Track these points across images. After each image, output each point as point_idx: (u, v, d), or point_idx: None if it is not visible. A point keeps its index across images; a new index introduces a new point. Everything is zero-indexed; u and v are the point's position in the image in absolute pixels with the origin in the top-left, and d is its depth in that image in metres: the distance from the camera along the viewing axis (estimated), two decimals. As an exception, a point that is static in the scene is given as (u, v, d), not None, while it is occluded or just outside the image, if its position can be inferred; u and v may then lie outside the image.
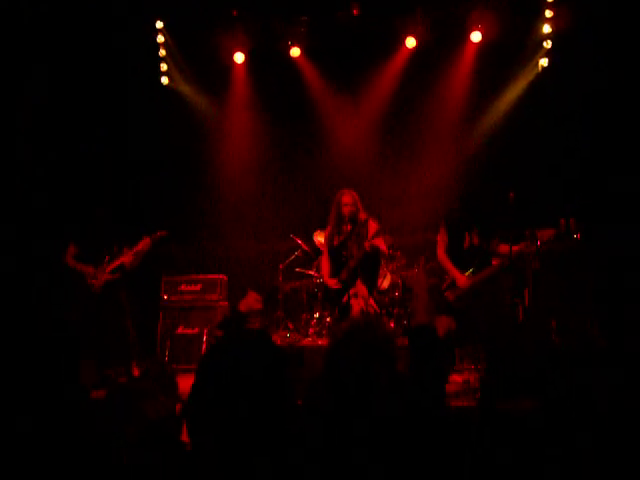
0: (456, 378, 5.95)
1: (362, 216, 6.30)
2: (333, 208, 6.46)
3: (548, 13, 7.92)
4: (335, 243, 6.40)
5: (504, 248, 5.82)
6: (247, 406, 1.70)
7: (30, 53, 7.37)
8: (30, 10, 7.16)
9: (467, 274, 5.86)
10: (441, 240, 6.09)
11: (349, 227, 6.34)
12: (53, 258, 6.81)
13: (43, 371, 2.40)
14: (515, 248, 5.75)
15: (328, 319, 7.01)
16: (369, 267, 6.36)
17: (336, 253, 6.42)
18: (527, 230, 6.47)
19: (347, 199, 6.30)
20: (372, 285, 6.48)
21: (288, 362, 1.86)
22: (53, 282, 6.95)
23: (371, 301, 6.32)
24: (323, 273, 6.65)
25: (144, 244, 6.53)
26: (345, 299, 6.22)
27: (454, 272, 5.91)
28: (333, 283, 6.41)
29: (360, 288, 6.26)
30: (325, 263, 6.60)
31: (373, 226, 6.25)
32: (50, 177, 7.72)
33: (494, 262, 5.94)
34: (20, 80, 7.41)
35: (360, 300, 6.17)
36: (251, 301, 3.18)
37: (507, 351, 2.47)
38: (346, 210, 6.28)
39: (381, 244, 6.31)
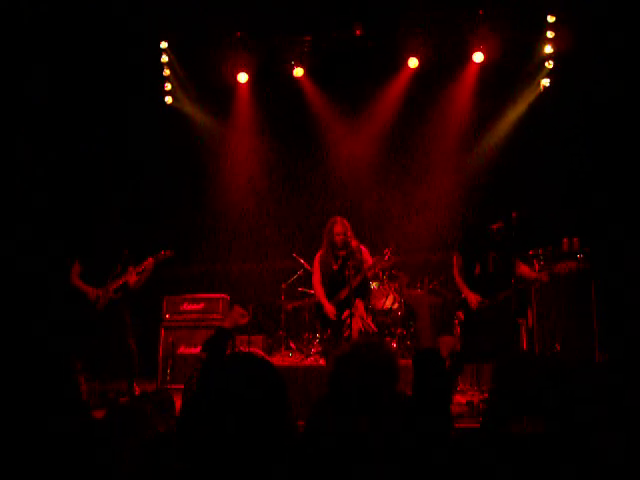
0: (459, 399, 5.91)
1: (354, 243, 6.36)
2: (325, 236, 6.50)
3: (550, 34, 7.98)
4: (335, 268, 6.43)
5: (524, 269, 5.80)
6: (237, 428, 1.68)
7: (32, 62, 7.42)
8: (32, 16, 7.21)
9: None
10: (456, 263, 6.17)
11: (343, 252, 6.40)
12: (54, 265, 6.84)
13: (41, 389, 2.38)
14: (533, 275, 5.77)
15: (325, 336, 7.05)
16: (363, 288, 6.43)
17: (336, 276, 6.44)
18: (531, 250, 6.49)
19: (338, 229, 6.37)
20: (367, 305, 6.55)
21: (283, 382, 1.83)
22: (54, 292, 6.95)
23: (368, 320, 6.37)
24: (322, 298, 6.54)
25: (148, 264, 6.51)
26: (343, 317, 6.26)
27: (467, 292, 5.95)
28: (332, 310, 6.37)
29: (358, 308, 6.30)
30: (320, 287, 6.53)
31: (365, 251, 6.42)
32: (54, 200, 7.77)
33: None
34: (22, 92, 7.48)
35: (358, 320, 6.21)
36: (236, 316, 3.16)
37: (514, 371, 2.44)
38: (338, 239, 6.36)
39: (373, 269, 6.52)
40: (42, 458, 2.22)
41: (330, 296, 6.44)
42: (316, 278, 6.53)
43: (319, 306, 6.53)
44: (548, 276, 5.73)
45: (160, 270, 6.75)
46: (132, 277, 6.48)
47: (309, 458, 2.07)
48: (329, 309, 6.33)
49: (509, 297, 5.82)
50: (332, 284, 6.44)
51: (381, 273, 7.40)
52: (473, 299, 5.88)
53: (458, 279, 6.10)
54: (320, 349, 7.37)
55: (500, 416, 2.48)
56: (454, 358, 5.80)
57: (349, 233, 6.35)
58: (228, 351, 3.18)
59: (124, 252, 6.60)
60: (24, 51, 7.36)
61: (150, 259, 6.50)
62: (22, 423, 2.32)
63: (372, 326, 6.44)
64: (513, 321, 5.95)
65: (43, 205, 7.60)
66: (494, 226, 5.85)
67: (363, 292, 6.43)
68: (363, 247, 6.47)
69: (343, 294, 6.30)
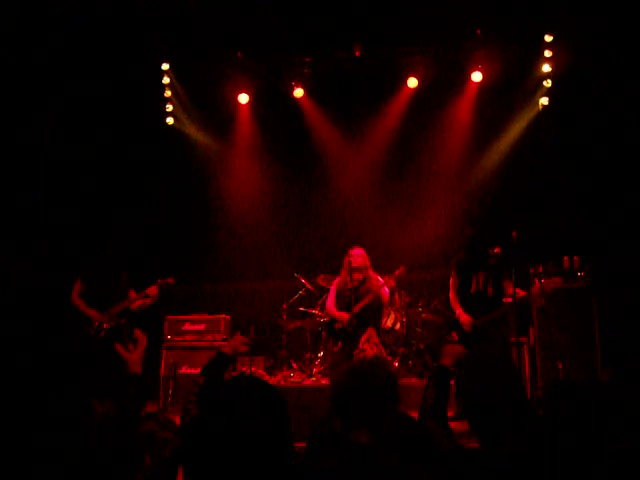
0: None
1: (370, 272, 6.67)
2: (344, 261, 6.77)
3: (548, 53, 8.03)
4: (349, 286, 6.63)
5: (511, 289, 5.82)
6: (238, 452, 1.67)
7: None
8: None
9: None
10: (452, 283, 6.30)
11: (359, 276, 6.62)
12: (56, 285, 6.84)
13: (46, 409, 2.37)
14: (522, 294, 5.78)
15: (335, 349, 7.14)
16: (375, 317, 6.65)
17: (349, 296, 6.61)
18: (532, 268, 6.48)
19: (358, 251, 6.69)
20: (378, 329, 6.75)
21: (284, 404, 1.82)
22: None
23: (381, 348, 6.58)
24: (335, 313, 6.71)
25: (151, 291, 6.47)
26: (361, 343, 6.44)
27: (460, 313, 6.02)
28: (345, 316, 6.54)
29: (372, 334, 6.48)
30: (333, 308, 6.72)
31: (380, 280, 6.64)
32: (60, 213, 7.79)
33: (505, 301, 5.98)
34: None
35: (374, 346, 6.40)
36: (237, 344, 3.18)
37: (495, 394, 2.44)
38: (353, 260, 6.62)
39: (385, 295, 6.70)
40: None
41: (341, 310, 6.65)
42: (330, 302, 6.74)
43: (331, 324, 6.69)
44: (537, 294, 5.78)
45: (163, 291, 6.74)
46: (135, 304, 6.47)
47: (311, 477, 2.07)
48: (342, 315, 6.44)
49: (499, 318, 5.85)
50: (345, 303, 6.61)
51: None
52: (465, 320, 5.94)
53: (453, 299, 6.19)
54: (322, 369, 7.38)
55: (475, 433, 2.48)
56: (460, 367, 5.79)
57: (367, 262, 6.59)
58: (227, 375, 3.16)
59: (124, 275, 6.59)
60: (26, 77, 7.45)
61: (153, 287, 6.47)
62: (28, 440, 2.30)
63: (385, 355, 6.62)
64: (506, 341, 5.97)
65: (47, 224, 7.65)
66: (494, 250, 5.89)
67: (376, 321, 6.62)
68: (381, 279, 6.66)
69: (355, 310, 6.46)
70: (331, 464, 2.14)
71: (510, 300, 5.85)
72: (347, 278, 6.66)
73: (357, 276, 6.65)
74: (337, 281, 6.90)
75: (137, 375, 2.86)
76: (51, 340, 6.25)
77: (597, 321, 6.35)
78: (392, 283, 6.75)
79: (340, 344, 6.68)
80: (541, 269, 6.31)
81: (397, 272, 6.72)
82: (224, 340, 7.49)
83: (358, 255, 6.67)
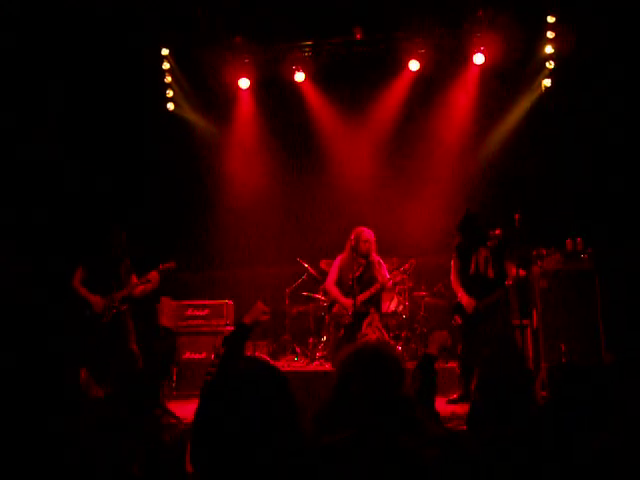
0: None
1: (374, 256, 6.70)
2: (349, 243, 6.75)
3: (550, 34, 7.98)
4: (357, 274, 6.59)
5: (514, 271, 5.83)
6: (253, 434, 1.66)
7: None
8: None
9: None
10: (453, 265, 6.35)
11: (364, 261, 6.60)
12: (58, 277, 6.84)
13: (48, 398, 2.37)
14: (522, 273, 5.80)
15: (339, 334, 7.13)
16: (377, 298, 6.80)
17: (354, 283, 6.59)
18: (534, 250, 6.47)
19: (366, 236, 6.68)
20: (380, 313, 6.79)
21: (291, 388, 1.82)
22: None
23: (384, 331, 6.60)
24: (338, 296, 6.72)
25: (152, 278, 6.46)
26: (363, 327, 6.47)
27: (462, 295, 6.05)
28: (349, 303, 6.53)
29: (374, 318, 6.50)
30: (335, 287, 6.73)
31: (384, 267, 6.76)
32: (61, 202, 7.78)
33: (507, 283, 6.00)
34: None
35: (376, 330, 6.44)
36: (257, 313, 3.16)
37: (499, 378, 2.44)
38: (364, 246, 6.69)
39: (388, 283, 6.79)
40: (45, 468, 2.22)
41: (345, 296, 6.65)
42: (331, 279, 6.79)
43: (331, 306, 6.69)
44: (536, 271, 5.81)
45: (164, 277, 6.74)
46: (137, 289, 6.47)
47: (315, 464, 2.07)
48: (346, 302, 6.46)
49: (501, 299, 5.87)
50: (348, 289, 6.62)
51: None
52: (468, 303, 5.96)
53: (454, 282, 6.23)
54: (325, 353, 7.38)
55: (482, 418, 2.48)
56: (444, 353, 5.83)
57: (373, 246, 6.52)
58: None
59: (126, 261, 6.59)
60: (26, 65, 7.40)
61: (154, 273, 6.45)
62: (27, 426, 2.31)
63: (387, 338, 6.65)
64: (509, 322, 5.99)
65: (46, 215, 7.64)
66: (495, 232, 5.89)
67: (378, 305, 6.71)
68: (383, 262, 6.66)
69: (362, 298, 6.47)
70: (332, 443, 2.14)
71: (512, 282, 5.87)
72: (352, 261, 6.63)
73: (362, 260, 6.66)
74: (340, 258, 6.87)
75: (166, 328, 2.80)
76: (51, 339, 6.28)
77: (600, 303, 6.34)
78: (399, 277, 6.77)
79: (343, 329, 6.72)
80: (544, 251, 6.30)
81: (407, 266, 6.73)
82: (227, 325, 7.50)
83: (367, 240, 6.62)
